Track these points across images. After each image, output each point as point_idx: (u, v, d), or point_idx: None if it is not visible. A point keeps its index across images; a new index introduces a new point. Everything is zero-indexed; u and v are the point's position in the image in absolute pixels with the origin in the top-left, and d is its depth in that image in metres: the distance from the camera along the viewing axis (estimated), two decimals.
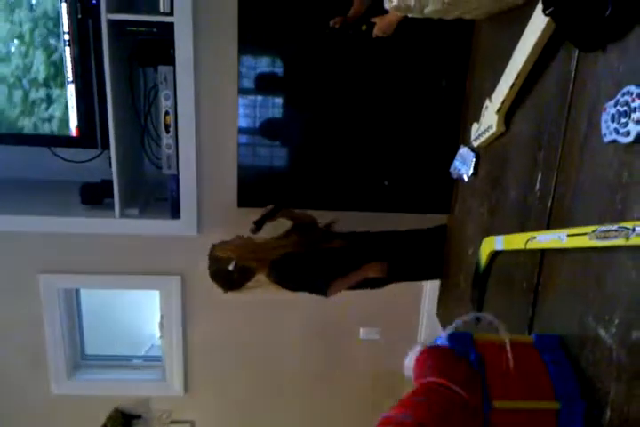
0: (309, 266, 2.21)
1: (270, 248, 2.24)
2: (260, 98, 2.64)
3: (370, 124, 2.61)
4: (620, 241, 0.75)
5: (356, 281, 2.24)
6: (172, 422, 3.56)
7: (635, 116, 0.71)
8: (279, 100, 2.69)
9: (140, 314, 4.46)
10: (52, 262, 3.11)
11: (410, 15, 1.27)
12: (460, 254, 1.59)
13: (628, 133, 0.73)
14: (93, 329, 3.65)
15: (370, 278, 2.25)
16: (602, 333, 0.80)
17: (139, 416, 3.54)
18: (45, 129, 2.75)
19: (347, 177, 2.71)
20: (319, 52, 2.53)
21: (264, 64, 2.62)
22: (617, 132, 0.76)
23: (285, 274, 2.22)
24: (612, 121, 0.77)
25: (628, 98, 0.73)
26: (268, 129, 2.71)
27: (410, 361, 0.91)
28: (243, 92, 2.61)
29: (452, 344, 0.89)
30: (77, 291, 3.45)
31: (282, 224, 2.47)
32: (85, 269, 3.13)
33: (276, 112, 2.73)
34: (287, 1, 2.49)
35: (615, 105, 0.76)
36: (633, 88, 0.72)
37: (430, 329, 3.24)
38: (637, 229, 0.71)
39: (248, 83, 2.61)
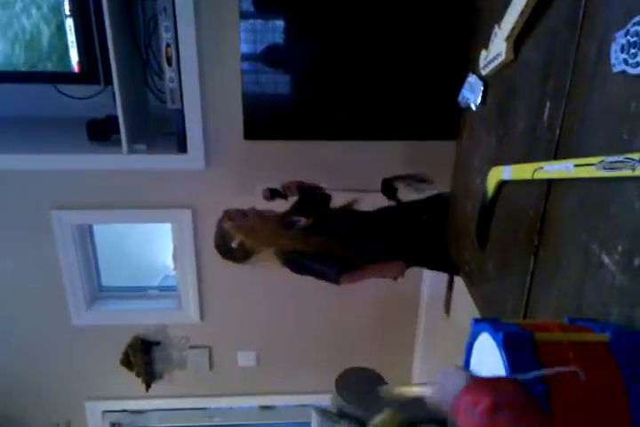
0: (320, 256, 2.15)
1: (281, 238, 2.18)
2: (263, 25, 2.56)
3: (378, 53, 2.56)
4: (625, 172, 0.77)
5: (372, 277, 2.24)
6: (190, 347, 3.71)
7: None
8: (283, 26, 2.60)
9: (152, 246, 4.56)
10: (64, 199, 3.15)
11: None
12: (467, 183, 1.61)
13: (637, 64, 0.73)
14: (108, 262, 3.75)
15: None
16: (605, 259, 0.84)
17: (157, 343, 3.69)
18: (47, 66, 2.71)
19: (353, 106, 2.68)
20: None
21: None
22: (626, 62, 0.76)
23: (296, 264, 2.20)
24: (622, 51, 0.77)
25: (638, 28, 0.73)
26: (270, 56, 2.65)
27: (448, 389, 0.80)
28: (244, 16, 2.53)
29: (508, 359, 0.74)
30: (90, 226, 3.52)
31: None
32: (97, 205, 3.18)
33: (280, 38, 2.65)
34: None
35: (625, 35, 0.76)
36: None
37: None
38: None
39: (249, 6, 2.53)
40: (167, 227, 3.45)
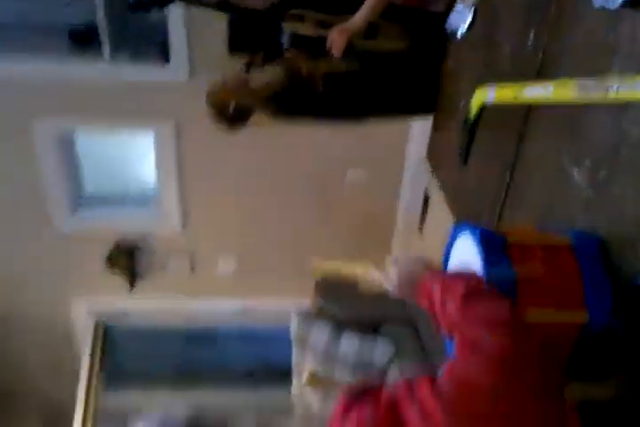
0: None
1: (264, 83, 2.21)
2: None
3: None
4: (599, 95, 0.87)
5: None
6: (173, 252, 3.84)
7: None
8: None
9: (134, 156, 4.59)
10: (45, 108, 3.15)
11: None
12: (452, 106, 1.70)
13: (614, 1, 0.82)
14: (92, 172, 3.80)
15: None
16: (575, 174, 0.97)
17: (140, 247, 3.81)
18: None
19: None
20: None
21: None
22: None
23: (286, 105, 2.23)
24: None
25: None
26: None
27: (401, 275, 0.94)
28: None
29: (484, 254, 0.86)
30: (72, 136, 3.53)
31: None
32: (80, 114, 3.19)
33: None
34: None
35: None
36: None
37: (414, 173, 3.44)
38: (615, 86, 0.83)
39: None
40: (149, 140, 3.49)
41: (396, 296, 0.96)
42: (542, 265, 0.85)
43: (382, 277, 0.96)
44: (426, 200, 3.46)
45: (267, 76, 2.23)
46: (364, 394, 0.78)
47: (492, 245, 0.86)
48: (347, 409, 0.76)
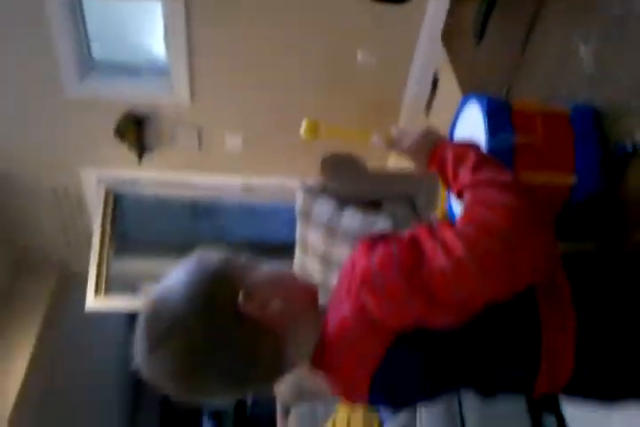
0: None
1: None
2: None
3: None
4: None
5: None
6: (181, 124, 3.88)
7: None
8: None
9: (144, 24, 4.47)
10: None
11: None
12: None
13: None
14: (100, 37, 3.74)
15: None
16: (582, 49, 1.00)
17: (149, 117, 3.83)
18: None
19: None
20: None
21: None
22: None
23: None
24: None
25: None
26: None
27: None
28: None
29: (487, 119, 0.92)
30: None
31: None
32: None
33: None
34: None
35: None
36: None
37: (425, 54, 3.39)
38: None
39: None
40: (157, 8, 3.40)
41: (406, 157, 0.99)
42: (541, 131, 0.91)
43: (384, 142, 1.00)
44: (434, 83, 3.44)
45: None
46: (384, 237, 0.84)
47: (496, 111, 0.92)
48: (371, 246, 0.82)
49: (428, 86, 3.56)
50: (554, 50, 1.12)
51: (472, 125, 0.99)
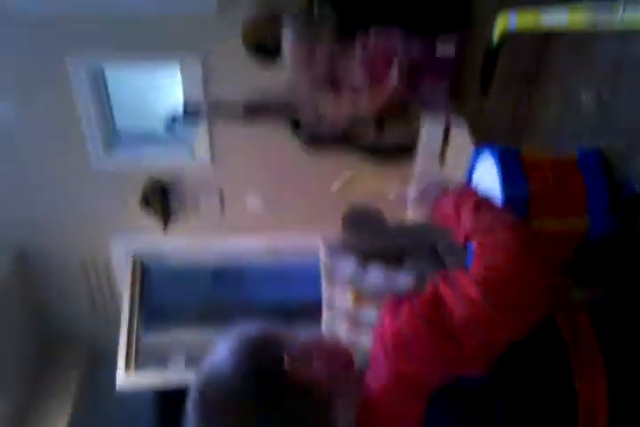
0: None
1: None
2: None
3: None
4: (606, 19, 0.91)
5: None
6: (202, 190, 3.95)
7: None
8: None
9: (159, 94, 4.64)
10: (76, 44, 3.21)
11: None
12: (475, 36, 1.73)
13: None
14: (121, 107, 3.88)
15: None
16: (583, 95, 1.02)
17: (172, 185, 3.92)
18: None
19: None
20: None
21: None
22: None
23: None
24: None
25: None
26: None
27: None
28: None
29: (501, 170, 0.95)
30: (103, 71, 3.60)
31: None
32: (106, 48, 3.24)
33: None
34: None
35: None
36: None
37: None
38: (621, 11, 0.87)
39: None
40: (176, 75, 3.53)
41: (413, 213, 1.03)
42: (551, 178, 0.93)
43: (399, 192, 1.03)
44: (446, 130, 3.46)
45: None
46: (407, 296, 0.88)
47: (508, 162, 0.94)
48: (396, 307, 0.86)
49: (440, 135, 3.58)
50: (557, 99, 1.15)
51: (486, 176, 1.01)
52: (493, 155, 0.97)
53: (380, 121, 2.23)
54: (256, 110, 2.38)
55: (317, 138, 2.35)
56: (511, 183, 0.94)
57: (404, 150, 2.31)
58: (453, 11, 2.08)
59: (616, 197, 0.89)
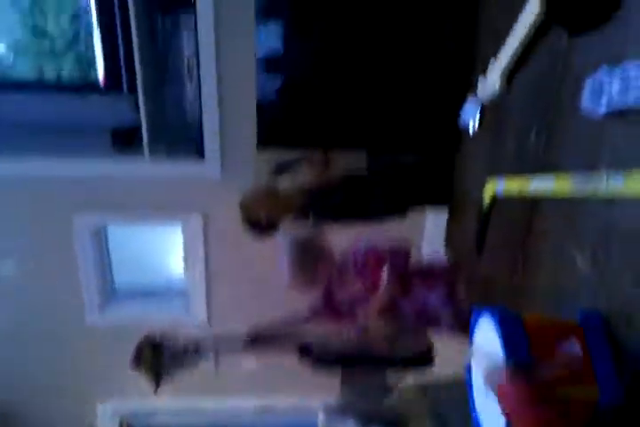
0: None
1: (291, 197, 2.42)
2: (277, 34, 2.74)
3: (382, 73, 2.75)
4: (592, 188, 0.97)
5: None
6: (197, 348, 3.85)
7: (605, 92, 0.92)
8: (297, 36, 2.77)
9: (157, 250, 4.72)
10: (83, 202, 3.33)
11: None
12: (466, 192, 1.82)
13: (600, 105, 0.94)
14: (120, 264, 3.92)
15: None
16: (578, 256, 1.05)
17: (166, 344, 3.83)
18: (75, 76, 2.91)
19: (363, 117, 2.86)
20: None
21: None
22: (593, 102, 0.96)
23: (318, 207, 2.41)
24: (591, 94, 0.98)
25: (603, 77, 0.94)
26: (282, 62, 2.83)
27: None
28: (260, 18, 2.71)
29: (503, 337, 0.93)
30: (105, 228, 3.69)
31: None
32: (113, 207, 3.35)
33: (290, 48, 2.81)
34: None
35: (593, 82, 0.97)
36: (606, 69, 0.93)
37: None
38: (604, 179, 0.93)
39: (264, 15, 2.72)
40: (172, 232, 3.64)
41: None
42: (555, 346, 0.92)
43: None
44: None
45: (293, 184, 2.42)
46: None
47: (510, 329, 0.93)
48: None
49: None
50: (552, 261, 1.17)
51: (488, 339, 1.00)
52: (494, 319, 0.97)
53: (391, 334, 2.26)
54: (261, 342, 2.40)
55: (328, 360, 2.35)
56: (514, 350, 0.92)
57: (422, 360, 2.31)
58: (436, 190, 2.24)
59: (622, 361, 0.87)
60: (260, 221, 2.34)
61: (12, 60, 2.90)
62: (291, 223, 2.39)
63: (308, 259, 2.15)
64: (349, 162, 2.63)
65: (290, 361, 3.55)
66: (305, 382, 3.84)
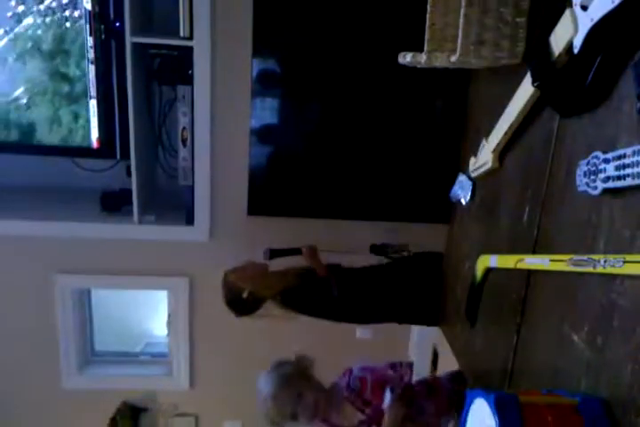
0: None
1: (280, 277, 2.42)
2: (272, 114, 2.86)
3: (375, 146, 2.86)
4: (589, 269, 0.98)
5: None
6: (177, 415, 3.76)
7: (600, 176, 0.94)
8: (290, 109, 2.88)
9: (136, 312, 4.67)
10: (66, 264, 3.31)
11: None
12: (457, 268, 1.82)
13: (595, 188, 0.96)
14: (102, 326, 3.86)
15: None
16: (575, 338, 1.04)
17: (146, 409, 3.74)
18: (68, 141, 2.95)
19: (353, 189, 2.94)
20: (330, 80, 2.77)
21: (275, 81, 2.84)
22: (588, 185, 0.99)
23: (298, 301, 2.42)
24: (584, 176, 1.00)
25: (595, 161, 0.96)
26: (276, 134, 2.91)
27: None
28: (255, 108, 2.82)
29: (498, 415, 0.90)
30: (89, 291, 3.65)
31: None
32: (98, 270, 3.33)
33: (283, 122, 2.91)
34: (300, 31, 2.72)
35: (587, 164, 0.99)
36: (599, 154, 0.95)
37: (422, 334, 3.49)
38: (602, 261, 0.94)
39: (259, 98, 2.82)
40: (152, 294, 3.61)
41: None
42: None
43: None
44: (435, 356, 3.47)
45: (285, 271, 2.42)
46: None
47: (506, 412, 0.91)
48: None
49: (429, 359, 3.58)
50: (547, 339, 1.16)
51: (482, 422, 0.97)
52: (488, 400, 0.95)
53: None
54: None
55: None
56: None
57: None
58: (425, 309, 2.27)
59: None
60: (241, 298, 2.32)
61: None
62: (272, 304, 2.38)
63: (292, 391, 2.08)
64: None
65: None
66: None
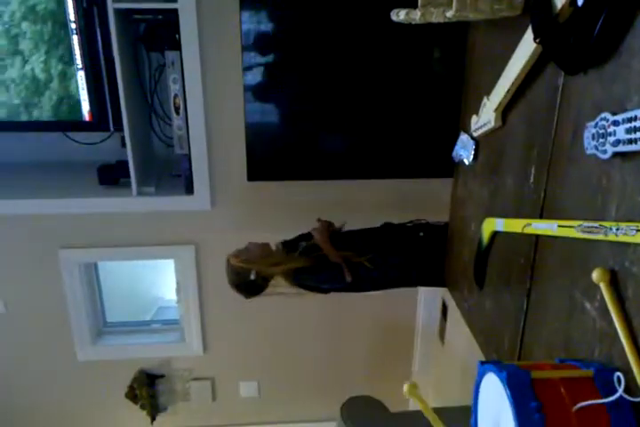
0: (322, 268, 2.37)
1: (287, 258, 2.36)
2: (265, 72, 2.74)
3: (377, 99, 2.76)
4: (599, 236, 0.94)
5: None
6: (194, 379, 3.82)
7: (610, 139, 0.89)
8: (285, 68, 2.75)
9: (147, 279, 4.68)
10: (71, 239, 3.29)
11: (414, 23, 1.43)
12: (463, 230, 1.78)
13: (605, 152, 0.91)
14: (113, 296, 3.87)
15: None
16: (587, 306, 1.01)
17: (162, 376, 3.80)
18: (60, 115, 2.88)
19: (353, 147, 2.87)
20: (326, 34, 2.65)
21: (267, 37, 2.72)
22: (596, 148, 0.93)
23: (305, 280, 2.39)
24: (593, 139, 0.94)
25: (604, 123, 0.90)
26: (270, 93, 2.81)
27: None
28: (246, 68, 2.70)
29: (511, 394, 0.89)
30: (95, 263, 3.64)
31: None
32: (103, 243, 3.31)
33: (281, 79, 2.78)
34: None
35: (595, 126, 0.94)
36: (608, 115, 0.90)
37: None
38: (614, 229, 0.90)
39: (251, 58, 2.70)
40: (161, 262, 3.60)
41: None
42: (568, 402, 0.87)
43: None
44: (444, 309, 3.49)
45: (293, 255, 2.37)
46: None
47: (518, 387, 0.89)
48: None
49: (438, 314, 3.59)
50: (558, 307, 1.13)
51: (494, 396, 0.95)
52: (500, 375, 0.92)
53: None
54: None
55: None
56: (523, 409, 0.88)
57: None
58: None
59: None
60: (250, 280, 2.29)
61: None
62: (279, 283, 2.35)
63: None
64: None
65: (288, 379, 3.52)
66: (305, 409, 3.81)
